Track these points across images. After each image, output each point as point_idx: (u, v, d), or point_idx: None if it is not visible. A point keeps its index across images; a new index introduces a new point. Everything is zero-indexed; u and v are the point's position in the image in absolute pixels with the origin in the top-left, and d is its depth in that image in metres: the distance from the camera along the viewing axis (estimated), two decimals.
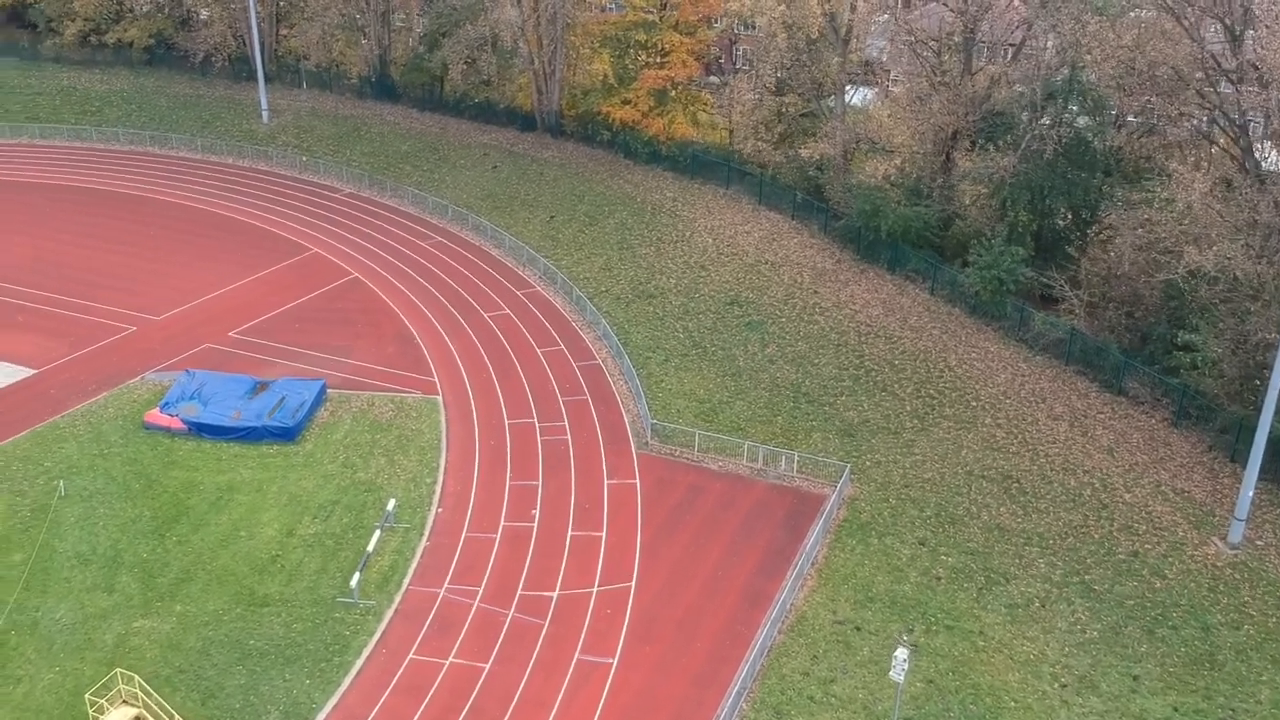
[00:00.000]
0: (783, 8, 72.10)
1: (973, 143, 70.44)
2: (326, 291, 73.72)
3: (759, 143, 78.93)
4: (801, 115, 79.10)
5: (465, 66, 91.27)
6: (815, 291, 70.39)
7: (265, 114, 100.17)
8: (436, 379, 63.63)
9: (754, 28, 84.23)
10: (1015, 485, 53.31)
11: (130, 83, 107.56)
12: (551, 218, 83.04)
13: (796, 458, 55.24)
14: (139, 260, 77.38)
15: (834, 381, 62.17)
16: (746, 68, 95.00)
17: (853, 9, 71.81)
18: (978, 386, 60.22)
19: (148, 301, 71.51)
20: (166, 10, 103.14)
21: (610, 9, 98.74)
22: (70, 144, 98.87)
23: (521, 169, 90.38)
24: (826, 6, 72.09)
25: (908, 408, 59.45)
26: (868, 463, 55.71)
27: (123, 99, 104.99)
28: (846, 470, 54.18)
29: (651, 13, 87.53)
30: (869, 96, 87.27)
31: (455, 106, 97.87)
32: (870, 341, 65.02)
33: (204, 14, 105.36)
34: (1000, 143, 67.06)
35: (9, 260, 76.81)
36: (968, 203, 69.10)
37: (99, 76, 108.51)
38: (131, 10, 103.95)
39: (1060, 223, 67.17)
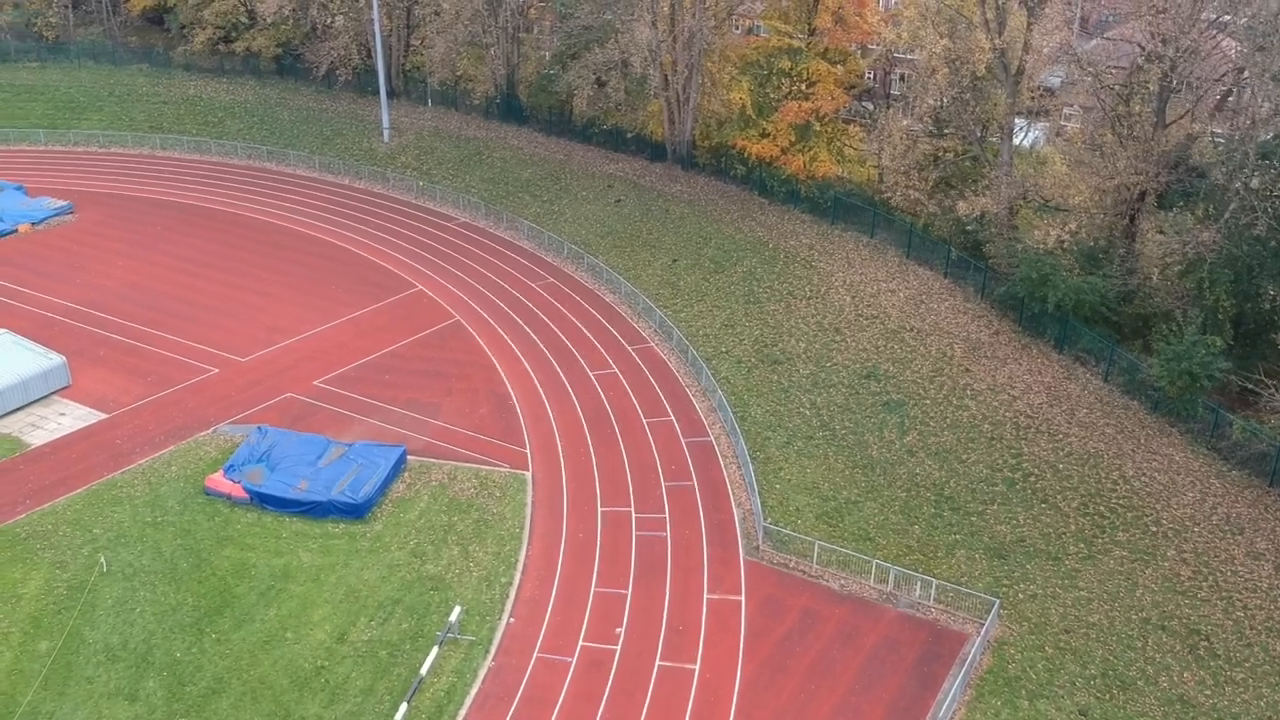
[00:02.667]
0: (945, 42, 63.11)
1: (1161, 202, 60.32)
2: (424, 337, 67.84)
3: (910, 190, 69.84)
4: (961, 158, 69.74)
5: (593, 91, 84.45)
6: (967, 369, 61.22)
7: (386, 132, 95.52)
8: (528, 450, 56.88)
9: (912, 55, 74.87)
10: (1204, 644, 43.55)
11: (255, 93, 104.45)
12: (674, 261, 75.66)
13: (935, 585, 46.55)
14: (236, 290, 72.96)
15: (984, 485, 53.09)
16: (901, 97, 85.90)
17: (1026, 48, 62.36)
18: (1158, 506, 50.35)
19: (236, 339, 66.80)
20: (292, 21, 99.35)
21: (755, 31, 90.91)
22: (188, 156, 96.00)
23: (646, 204, 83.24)
24: (996, 41, 62.81)
25: (1072, 527, 50.02)
26: (1020, 594, 46.65)
27: (245, 110, 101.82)
28: (995, 607, 45.25)
29: (797, 38, 79.28)
30: (1039, 138, 77.34)
31: (583, 132, 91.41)
32: (1030, 437, 55.64)
33: (338, 20, 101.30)
34: (1199, 210, 56.81)
35: (106, 284, 73.34)
36: (1154, 275, 58.93)
37: (225, 86, 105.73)
38: (260, 19, 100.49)
39: (1267, 306, 56.50)
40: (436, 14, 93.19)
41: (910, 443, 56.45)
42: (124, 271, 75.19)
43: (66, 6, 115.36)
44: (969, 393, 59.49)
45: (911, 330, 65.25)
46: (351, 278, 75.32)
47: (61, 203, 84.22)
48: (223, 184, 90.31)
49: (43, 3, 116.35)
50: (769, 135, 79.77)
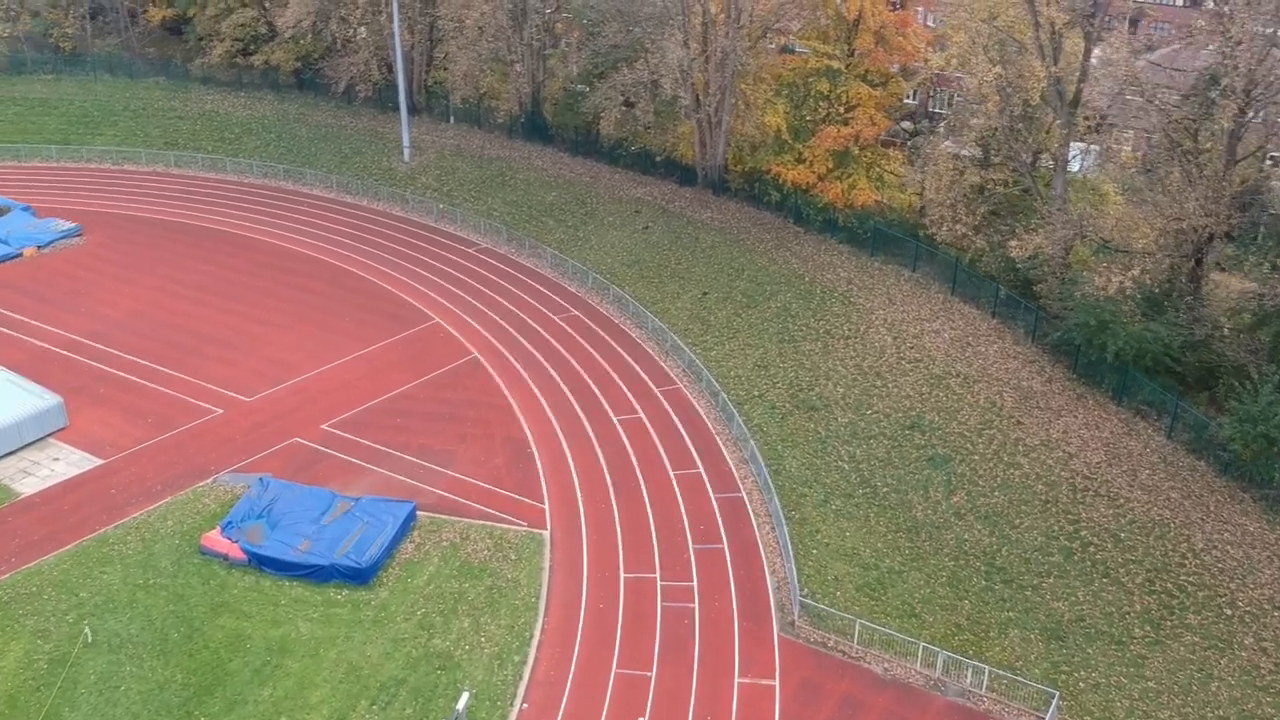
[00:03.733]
0: (997, 69, 58.97)
1: (1230, 244, 56.12)
2: (440, 375, 64.26)
3: (957, 225, 65.70)
4: (1011, 190, 65.52)
5: (621, 113, 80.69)
6: (1019, 422, 57.07)
7: (407, 151, 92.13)
8: (547, 505, 53.16)
9: (958, 76, 70.50)
10: None
11: (273, 109, 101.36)
12: (704, 294, 71.79)
13: (988, 672, 42.49)
14: (246, 321, 69.64)
15: (1039, 555, 48.95)
16: (944, 117, 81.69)
17: (1083, 75, 58.17)
18: (1233, 585, 46.11)
19: (242, 376, 63.44)
20: (311, 35, 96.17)
21: (790, 49, 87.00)
22: (203, 175, 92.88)
23: (675, 231, 79.41)
24: (1053, 70, 58.63)
25: (1137, 606, 45.84)
26: (1081, 683, 42.55)
27: (263, 127, 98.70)
28: (1055, 700, 41.16)
29: (836, 58, 75.26)
30: (1089, 162, 72.90)
31: (609, 153, 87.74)
32: (1088, 501, 51.46)
33: (360, 33, 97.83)
34: (1273, 255, 52.50)
35: (110, 314, 70.19)
36: (1224, 325, 54.66)
37: (242, 101, 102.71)
38: (279, 33, 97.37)
39: None
40: (459, 29, 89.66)
41: (958, 504, 52.37)
42: (130, 300, 72.04)
43: (84, 17, 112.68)
44: (1021, 448, 55.34)
45: (958, 376, 61.14)
46: (366, 308, 71.87)
47: (69, 225, 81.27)
48: (237, 205, 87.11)
49: (60, 13, 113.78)
50: (805, 161, 75.93)
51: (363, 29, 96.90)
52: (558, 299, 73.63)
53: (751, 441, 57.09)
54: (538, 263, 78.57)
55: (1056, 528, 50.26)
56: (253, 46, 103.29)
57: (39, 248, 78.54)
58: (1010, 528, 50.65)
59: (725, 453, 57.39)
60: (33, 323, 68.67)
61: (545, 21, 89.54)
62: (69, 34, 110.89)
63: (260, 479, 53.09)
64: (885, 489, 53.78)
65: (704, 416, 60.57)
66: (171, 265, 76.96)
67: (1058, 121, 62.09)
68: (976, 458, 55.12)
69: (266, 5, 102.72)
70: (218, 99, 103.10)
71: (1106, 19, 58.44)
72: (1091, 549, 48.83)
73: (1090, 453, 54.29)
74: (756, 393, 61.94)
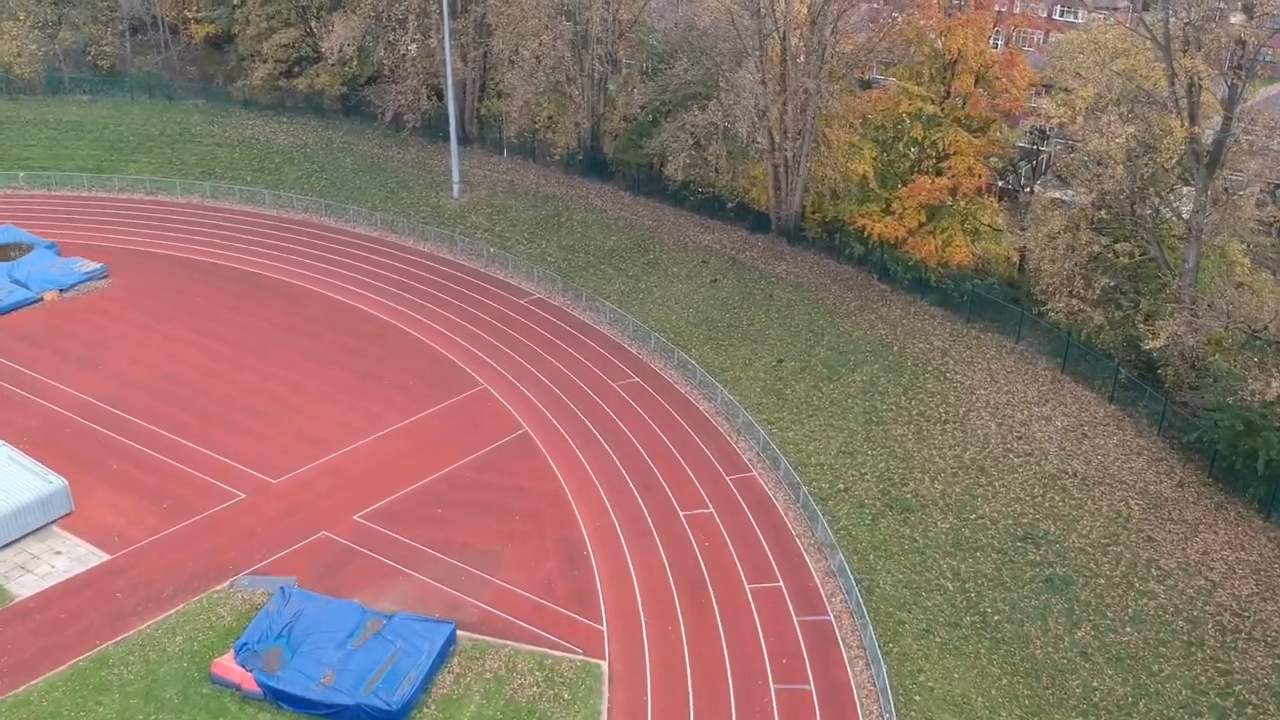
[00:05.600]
0: (1131, 129, 51.38)
1: None
2: (487, 455, 57.75)
3: (1073, 300, 58.10)
4: (1136, 261, 57.86)
5: (690, 156, 73.75)
6: (1149, 537, 49.52)
7: (456, 187, 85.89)
8: (605, 627, 46.36)
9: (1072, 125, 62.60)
10: None
11: (316, 136, 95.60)
12: (779, 362, 64.76)
13: None
14: (276, 385, 63.55)
15: (1186, 713, 41.45)
16: (1048, 156, 73.93)
17: (1226, 133, 50.53)
18: None
19: (269, 452, 57.30)
20: (357, 60, 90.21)
21: (872, 83, 79.68)
22: (240, 209, 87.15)
23: (747, 286, 72.38)
24: (1191, 128, 50.98)
25: None
26: None
27: (304, 156, 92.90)
28: None
29: (930, 101, 67.86)
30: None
31: (675, 195, 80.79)
32: (1240, 646, 43.87)
33: (411, 52, 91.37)
34: None
35: (131, 372, 64.40)
36: None
37: (284, 127, 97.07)
38: (324, 56, 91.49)
39: None
40: (515, 60, 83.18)
41: (1083, 640, 44.94)
42: (154, 355, 66.23)
43: (124, 33, 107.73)
44: (1154, 572, 47.79)
45: (1074, 476, 53.63)
46: (407, 369, 65.56)
47: (95, 265, 75.73)
48: (274, 244, 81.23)
49: (101, 27, 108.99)
50: (894, 213, 68.57)
51: (413, 45, 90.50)
52: (617, 362, 66.90)
53: (839, 551, 49.97)
54: (595, 318, 71.87)
55: (1204, 679, 42.72)
56: (297, 68, 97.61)
57: (61, 291, 73.04)
58: (1148, 675, 43.16)
59: (809, 562, 50.34)
60: (47, 382, 63.00)
61: (608, 52, 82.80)
62: (107, 52, 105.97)
63: (282, 588, 46.74)
64: (997, 617, 46.47)
65: (783, 514, 53.55)
66: (201, 315, 71.09)
67: (1193, 188, 54.41)
68: (1102, 581, 47.65)
69: (312, 25, 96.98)
70: (258, 124, 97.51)
71: (1258, 68, 50.64)
72: (1249, 709, 41.29)
73: (1238, 581, 46.65)
74: (842, 486, 54.82)
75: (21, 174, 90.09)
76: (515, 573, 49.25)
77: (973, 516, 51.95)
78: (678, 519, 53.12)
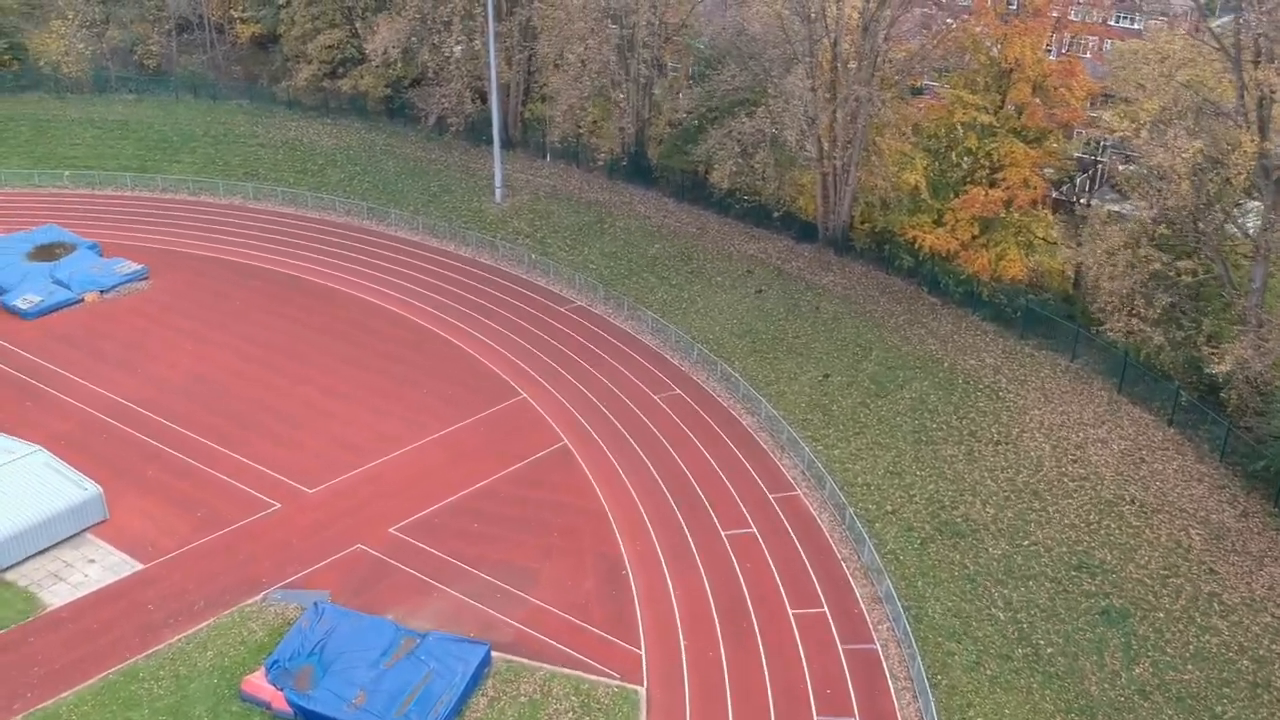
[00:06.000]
0: (1198, 144, 49.39)
1: None
2: (525, 467, 56.62)
3: (1132, 319, 56.07)
4: (1199, 280, 55.76)
5: (737, 165, 72.22)
6: (1211, 569, 47.53)
7: (499, 191, 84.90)
8: (643, 650, 45.06)
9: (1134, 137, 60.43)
10: None
11: (359, 138, 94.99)
12: (825, 377, 63.15)
13: None
14: (314, 390, 62.80)
15: None
16: (1104, 167, 71.86)
17: None
18: None
19: (305, 460, 56.52)
20: (401, 62, 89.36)
21: (922, 90, 77.80)
22: (282, 210, 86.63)
23: (792, 297, 70.81)
24: (1265, 145, 48.91)
25: None
26: None
27: (347, 158, 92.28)
28: None
29: (985, 110, 65.94)
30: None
31: (720, 202, 79.30)
32: None
33: (455, 53, 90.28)
34: None
35: (169, 376, 63.88)
36: None
37: (328, 129, 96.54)
38: (367, 58, 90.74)
39: None
40: (559, 63, 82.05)
41: (1142, 677, 43.08)
42: (192, 359, 65.70)
43: (170, 32, 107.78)
44: (1216, 607, 45.81)
45: (1132, 502, 51.68)
46: (446, 377, 64.58)
47: (136, 266, 75.41)
48: (316, 247, 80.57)
49: (148, 26, 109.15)
50: (946, 225, 66.76)
51: (458, 48, 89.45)
52: (658, 373, 65.55)
53: (887, 577, 48.35)
54: (637, 327, 70.55)
55: None
56: (341, 69, 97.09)
57: (101, 292, 72.77)
58: (1210, 717, 41.27)
59: (855, 586, 48.76)
60: (85, 384, 62.62)
61: (654, 57, 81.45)
62: (154, 51, 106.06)
63: (315, 604, 45.82)
64: (1050, 650, 44.68)
65: (828, 535, 51.98)
66: (241, 319, 70.52)
67: (1259, 201, 52.31)
68: (1161, 615, 45.73)
69: (357, 26, 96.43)
70: (302, 126, 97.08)
71: None
72: None
73: None
74: (890, 508, 53.17)
75: (67, 173, 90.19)
76: (552, 591, 48.07)
77: (1025, 543, 50.15)
78: (719, 539, 51.71)
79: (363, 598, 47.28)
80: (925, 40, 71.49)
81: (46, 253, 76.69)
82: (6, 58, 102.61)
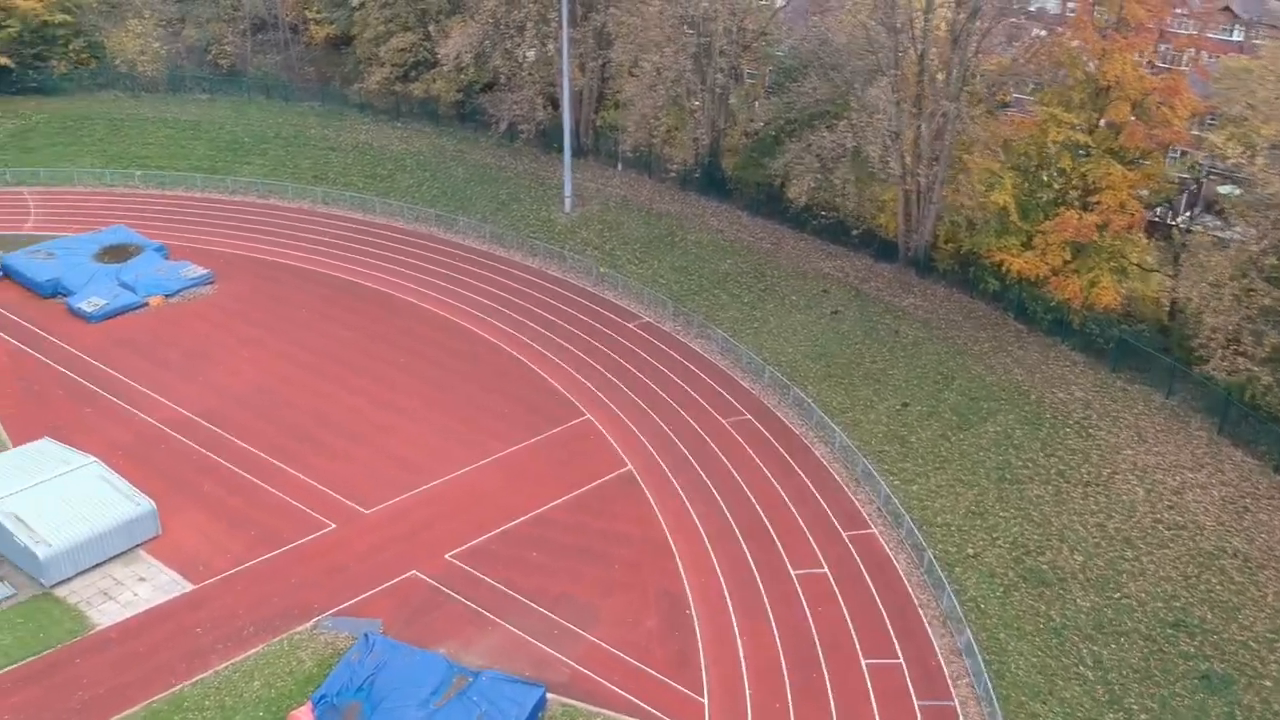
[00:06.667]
0: None
1: None
2: (588, 494, 54.55)
3: (1238, 358, 52.48)
4: None
5: (816, 180, 69.44)
6: None
7: (568, 201, 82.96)
8: (706, 700, 42.71)
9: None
10: None
11: (430, 143, 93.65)
12: (904, 406, 60.26)
13: None
14: (374, 404, 61.31)
15: None
16: (1209, 203, 68.00)
17: None
18: None
19: (363, 478, 54.98)
20: (473, 67, 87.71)
21: (1008, 105, 74.33)
22: (350, 216, 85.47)
23: (870, 320, 67.92)
24: None
25: None
26: None
27: (417, 164, 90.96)
28: None
29: (1080, 129, 62.49)
30: None
31: (795, 217, 76.54)
32: None
33: (527, 58, 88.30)
34: None
35: (230, 386, 62.80)
36: None
37: (398, 133, 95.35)
38: (439, 63, 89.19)
39: None
40: (634, 71, 79.83)
41: None
42: (254, 368, 64.58)
43: (245, 32, 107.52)
44: None
45: (1235, 555, 48.22)
46: (509, 394, 62.73)
47: (201, 270, 74.64)
48: (381, 254, 79.28)
49: (224, 25, 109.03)
50: (1035, 249, 63.46)
51: (531, 52, 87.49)
52: (728, 396, 63.10)
53: (967, 627, 45.45)
54: (706, 346, 68.13)
55: None
56: (413, 73, 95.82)
57: (166, 296, 72.05)
58: None
59: (932, 636, 45.97)
60: (145, 392, 61.76)
61: (732, 66, 78.92)
62: (228, 51, 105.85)
63: (365, 635, 44.09)
64: (1144, 716, 41.60)
65: (905, 579, 49.19)
66: (305, 327, 69.32)
67: None
68: (1269, 684, 42.36)
69: (430, 29, 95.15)
70: (373, 129, 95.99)
71: None
72: None
73: None
74: (971, 551, 50.22)
75: (138, 173, 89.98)
76: (612, 629, 45.91)
77: (1117, 595, 46.94)
78: (789, 578, 49.18)
79: (415, 628, 45.55)
80: (1017, 54, 68.12)
81: (114, 254, 76.23)
82: (85, 56, 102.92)
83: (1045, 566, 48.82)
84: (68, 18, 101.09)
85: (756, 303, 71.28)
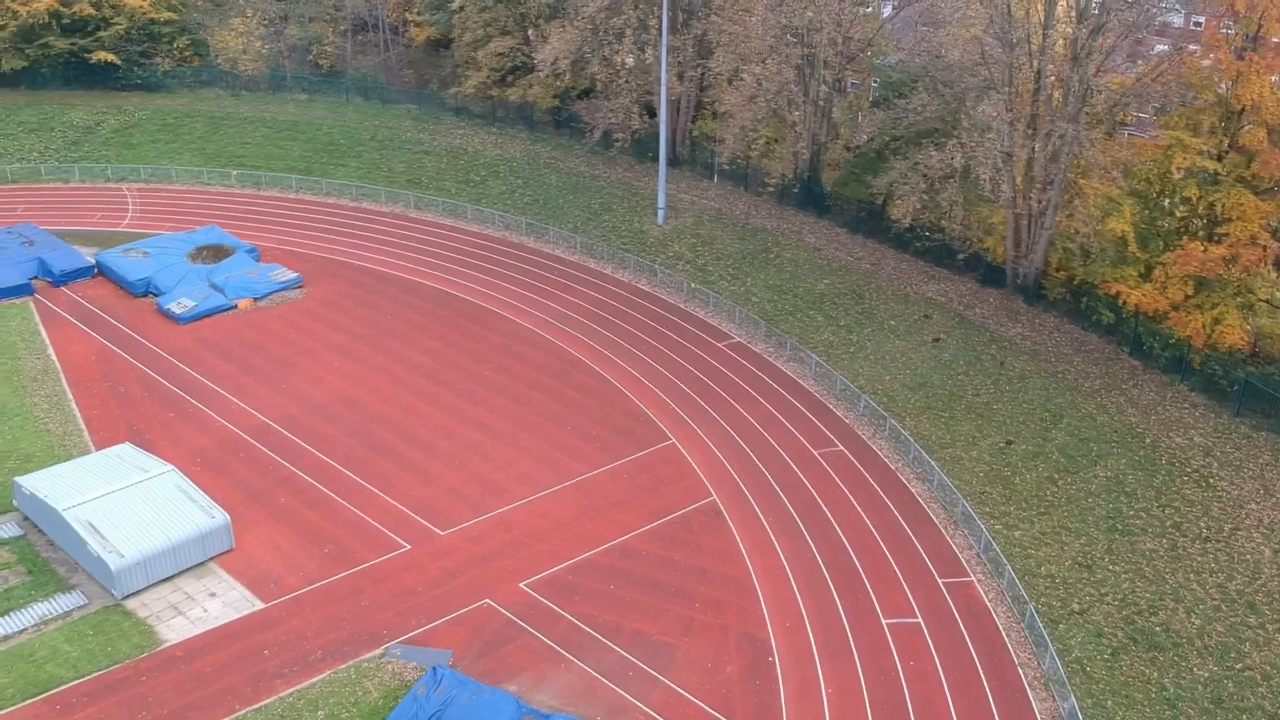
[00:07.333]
0: None
1: None
2: (670, 524, 52.41)
3: None
4: None
5: (921, 201, 66.37)
6: None
7: (661, 213, 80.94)
8: None
9: None
10: None
11: (524, 149, 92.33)
12: (1008, 443, 56.97)
13: None
14: (456, 420, 59.98)
15: None
16: None
17: None
18: None
19: (441, 498, 53.60)
20: (570, 73, 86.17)
21: (1131, 123, 70.39)
22: (441, 222, 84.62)
23: (974, 349, 64.61)
24: None
25: None
26: None
27: (510, 170, 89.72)
28: None
29: (1208, 155, 58.52)
30: None
31: (898, 237, 73.43)
32: None
33: (629, 61, 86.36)
34: None
35: (314, 395, 62.01)
36: None
37: (493, 138, 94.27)
38: (536, 68, 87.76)
39: None
40: (734, 80, 77.43)
41: None
42: (339, 378, 63.71)
43: (346, 33, 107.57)
44: None
45: None
46: (593, 414, 60.91)
47: (292, 274, 74.23)
48: (470, 262, 78.16)
49: (326, 26, 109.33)
50: (1154, 281, 59.65)
51: (629, 59, 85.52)
52: (820, 425, 60.45)
53: (1071, 692, 42.26)
54: (799, 370, 65.55)
55: None
56: (510, 77, 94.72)
57: (255, 299, 71.74)
58: None
59: (1032, 699, 42.84)
60: (230, 398, 61.25)
61: (836, 79, 76.12)
62: (329, 51, 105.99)
63: (435, 668, 42.51)
64: None
65: (1004, 634, 46.08)
66: (390, 335, 68.36)
67: None
68: None
69: (529, 33, 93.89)
70: (468, 134, 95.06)
71: None
72: None
73: None
74: (1077, 606, 46.91)
75: (235, 172, 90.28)
76: (690, 674, 43.65)
77: (1239, 666, 43.30)
78: (879, 628, 46.42)
79: (485, 662, 43.86)
80: (1142, 73, 64.22)
81: (206, 255, 76.29)
82: (188, 53, 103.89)
83: (1158, 628, 45.32)
84: (173, 15, 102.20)
85: (854, 326, 68.42)
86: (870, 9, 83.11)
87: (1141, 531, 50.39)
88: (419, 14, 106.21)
